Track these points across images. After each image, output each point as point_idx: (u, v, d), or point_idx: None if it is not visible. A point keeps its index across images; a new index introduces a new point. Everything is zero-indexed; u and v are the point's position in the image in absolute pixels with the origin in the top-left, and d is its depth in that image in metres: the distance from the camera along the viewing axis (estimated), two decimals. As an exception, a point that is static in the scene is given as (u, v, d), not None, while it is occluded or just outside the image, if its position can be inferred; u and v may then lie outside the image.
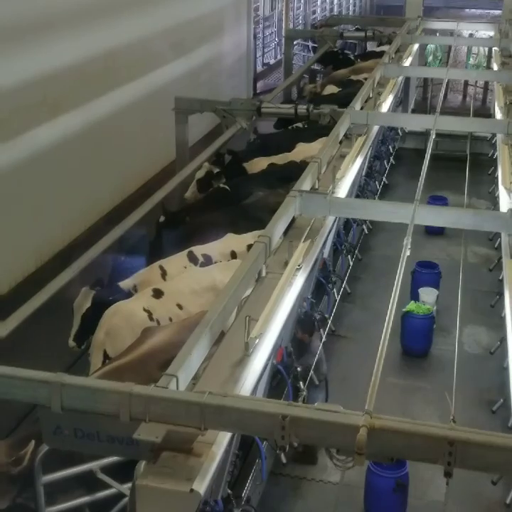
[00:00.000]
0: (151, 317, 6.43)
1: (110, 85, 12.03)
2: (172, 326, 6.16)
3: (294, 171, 8.20)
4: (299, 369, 6.36)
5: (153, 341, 5.80)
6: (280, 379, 6.02)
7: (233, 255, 7.39)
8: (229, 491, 4.92)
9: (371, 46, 18.63)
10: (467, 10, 35.02)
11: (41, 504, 4.95)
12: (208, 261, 7.30)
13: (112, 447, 4.05)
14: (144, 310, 6.44)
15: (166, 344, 5.66)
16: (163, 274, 7.08)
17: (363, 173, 10.65)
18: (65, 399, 3.87)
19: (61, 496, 5.12)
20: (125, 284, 6.99)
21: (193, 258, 7.31)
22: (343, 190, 7.26)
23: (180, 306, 6.62)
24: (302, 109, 10.28)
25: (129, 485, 4.49)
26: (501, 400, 7.66)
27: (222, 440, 3.90)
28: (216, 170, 9.68)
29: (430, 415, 7.48)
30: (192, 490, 3.57)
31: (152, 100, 13.07)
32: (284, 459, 5.78)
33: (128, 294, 6.83)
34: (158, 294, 6.64)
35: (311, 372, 6.60)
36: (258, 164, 10.00)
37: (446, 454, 3.43)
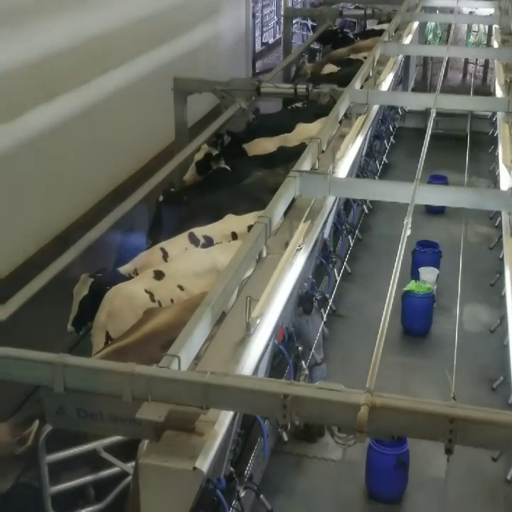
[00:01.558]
0: (152, 298, 6.44)
1: (108, 66, 11.95)
2: (173, 307, 6.17)
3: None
4: (300, 348, 6.40)
5: (155, 322, 5.82)
6: (281, 359, 6.06)
7: (234, 236, 7.38)
8: (231, 469, 4.98)
9: (371, 24, 18.48)
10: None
11: (45, 483, 4.99)
12: (209, 242, 7.30)
13: (114, 427, 4.06)
14: (146, 291, 6.45)
15: (167, 325, 5.68)
16: (165, 255, 7.08)
17: (363, 153, 10.63)
18: (67, 379, 3.89)
19: (65, 475, 5.16)
20: (125, 269, 6.97)
21: (194, 239, 7.31)
22: (343, 170, 7.24)
23: (181, 288, 6.63)
24: (301, 88, 10.20)
25: (133, 463, 4.53)
26: (501, 378, 7.71)
27: (224, 419, 3.92)
28: (215, 152, 9.63)
29: (431, 393, 7.49)
30: (195, 468, 3.59)
31: (150, 81, 12.99)
32: (285, 437, 5.83)
33: (128, 279, 6.82)
34: (159, 275, 6.64)
35: (313, 350, 6.64)
36: (258, 145, 9.94)
37: (446, 432, 3.45)
